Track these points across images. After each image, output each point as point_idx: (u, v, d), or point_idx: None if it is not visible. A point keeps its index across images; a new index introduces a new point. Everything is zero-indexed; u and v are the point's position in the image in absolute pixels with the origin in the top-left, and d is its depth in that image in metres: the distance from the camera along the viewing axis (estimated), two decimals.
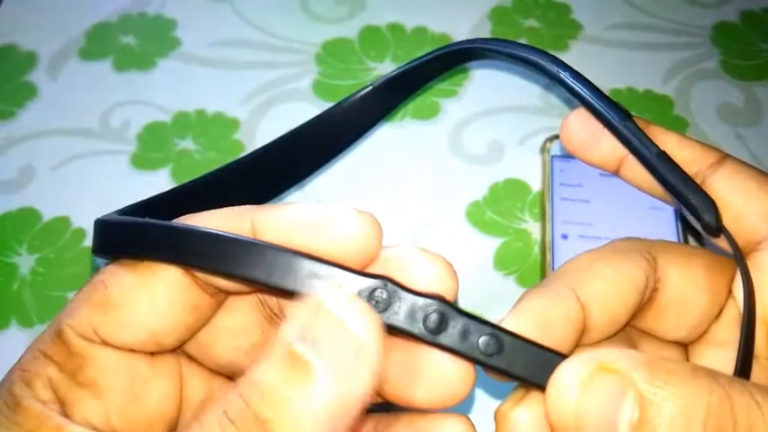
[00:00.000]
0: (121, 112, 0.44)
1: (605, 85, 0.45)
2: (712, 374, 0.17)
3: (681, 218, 0.38)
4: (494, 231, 0.39)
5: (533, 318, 0.20)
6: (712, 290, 0.22)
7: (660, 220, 0.38)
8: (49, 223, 0.39)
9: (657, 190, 0.23)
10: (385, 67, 0.46)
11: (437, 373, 0.19)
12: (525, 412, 0.19)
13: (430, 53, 0.28)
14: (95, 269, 0.23)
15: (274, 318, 0.22)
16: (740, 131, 0.43)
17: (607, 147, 0.23)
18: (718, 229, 0.21)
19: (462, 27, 0.48)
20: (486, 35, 0.48)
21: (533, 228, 0.39)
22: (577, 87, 0.23)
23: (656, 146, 0.22)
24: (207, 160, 0.42)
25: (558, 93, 0.45)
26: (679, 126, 0.44)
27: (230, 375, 0.23)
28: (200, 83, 0.45)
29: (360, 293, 0.18)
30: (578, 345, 0.21)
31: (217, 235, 0.19)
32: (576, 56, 0.47)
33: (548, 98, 0.45)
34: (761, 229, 0.21)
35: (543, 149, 0.41)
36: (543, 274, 0.36)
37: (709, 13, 0.49)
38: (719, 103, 0.45)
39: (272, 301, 0.22)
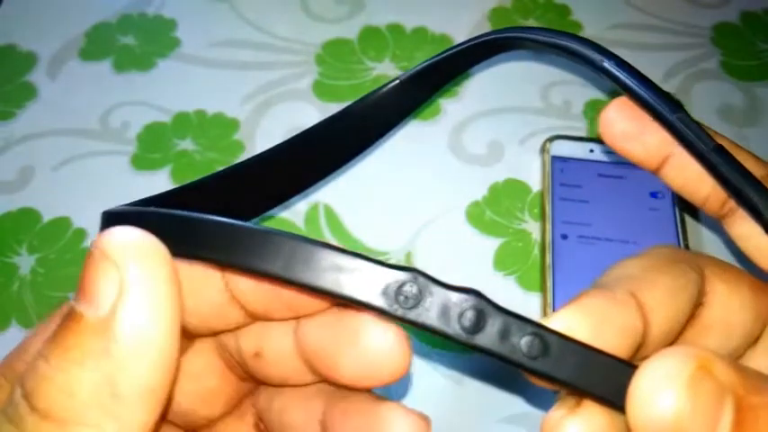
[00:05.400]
0: (121, 113, 0.44)
1: (605, 86, 0.45)
2: None
3: (683, 227, 0.38)
4: (494, 231, 0.39)
5: (586, 320, 0.17)
6: (757, 311, 0.20)
7: (659, 222, 0.38)
8: (49, 223, 0.39)
9: (699, 195, 0.22)
10: (384, 68, 0.46)
11: (365, 342, 0.17)
12: (583, 423, 0.17)
13: (462, 43, 0.26)
14: None
15: (233, 363, 0.21)
16: (740, 131, 0.43)
17: (652, 141, 0.21)
18: None
19: (462, 27, 0.48)
20: None
21: (533, 228, 0.39)
22: (623, 77, 0.21)
23: (714, 140, 0.20)
24: (207, 161, 0.42)
25: (557, 93, 0.45)
26: None
27: (185, 425, 0.21)
28: (200, 83, 0.45)
29: (387, 288, 0.16)
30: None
31: (230, 224, 0.17)
32: None
33: (548, 98, 0.44)
34: None
35: (543, 149, 0.41)
36: (543, 275, 0.36)
37: (709, 14, 0.49)
38: (719, 104, 0.45)
39: (231, 344, 0.20)
